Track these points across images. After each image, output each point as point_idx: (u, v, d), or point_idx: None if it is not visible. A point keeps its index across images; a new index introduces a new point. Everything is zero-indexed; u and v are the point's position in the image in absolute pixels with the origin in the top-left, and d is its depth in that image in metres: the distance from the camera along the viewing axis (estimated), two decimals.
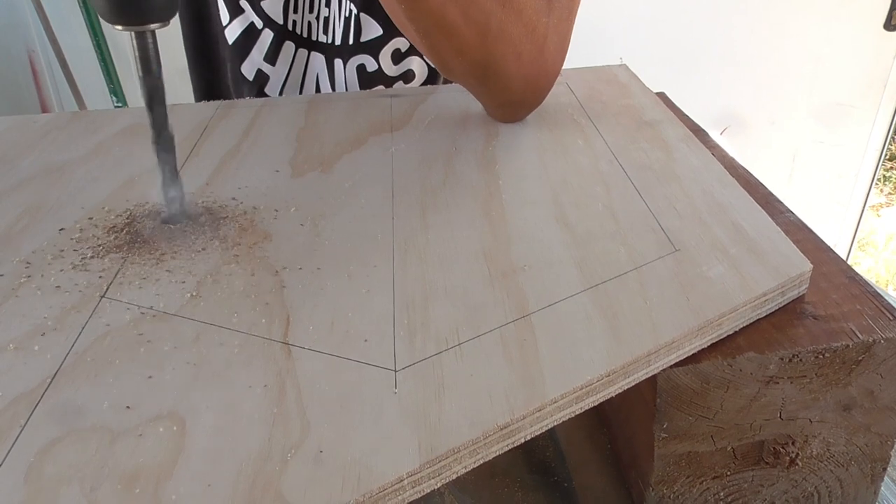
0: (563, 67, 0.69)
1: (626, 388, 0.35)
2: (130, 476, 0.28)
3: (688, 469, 0.40)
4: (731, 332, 0.38)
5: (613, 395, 0.34)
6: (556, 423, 0.33)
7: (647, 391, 0.38)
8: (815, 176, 1.98)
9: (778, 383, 0.38)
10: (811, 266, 0.40)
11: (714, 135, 0.60)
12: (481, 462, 0.31)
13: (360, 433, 0.30)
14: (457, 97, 0.64)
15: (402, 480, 0.28)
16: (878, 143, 1.93)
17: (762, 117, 1.90)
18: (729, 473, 0.41)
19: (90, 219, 0.46)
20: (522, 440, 0.32)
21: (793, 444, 0.40)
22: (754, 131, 1.91)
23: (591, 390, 0.33)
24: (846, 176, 1.98)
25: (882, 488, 0.43)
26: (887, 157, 2.31)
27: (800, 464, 0.40)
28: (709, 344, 0.37)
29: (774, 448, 0.40)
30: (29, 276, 0.41)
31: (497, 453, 0.31)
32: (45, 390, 0.33)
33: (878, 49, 1.82)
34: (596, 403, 0.34)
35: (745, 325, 0.38)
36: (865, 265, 2.60)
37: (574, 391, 0.32)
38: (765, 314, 0.39)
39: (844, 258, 2.06)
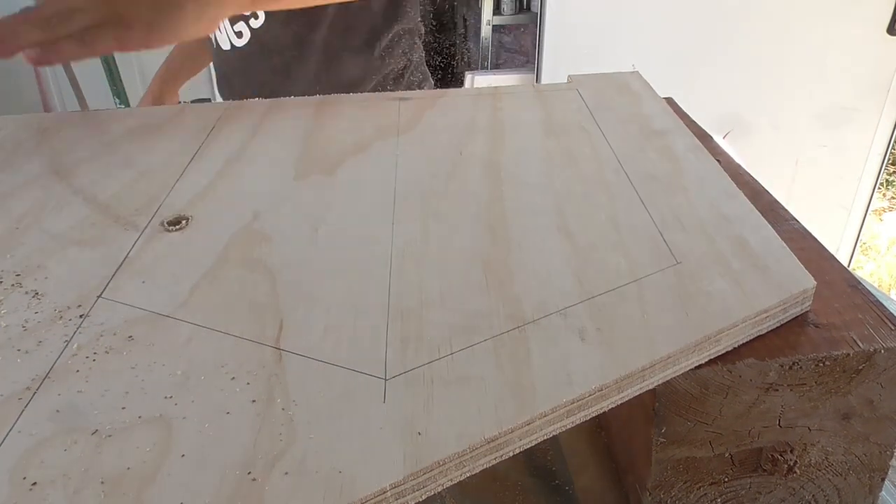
0: (575, 73, 0.69)
1: (619, 402, 0.34)
2: (114, 480, 0.28)
3: (685, 474, 0.39)
4: (730, 349, 0.37)
5: (606, 409, 0.34)
6: (546, 437, 0.32)
7: (647, 396, 0.37)
8: (818, 180, 1.97)
9: (777, 390, 0.37)
10: (815, 283, 0.40)
11: (717, 138, 0.60)
12: (469, 475, 0.31)
13: (346, 442, 0.30)
14: (465, 102, 0.64)
15: (385, 492, 0.28)
16: (880, 147, 1.92)
17: (765, 121, 1.89)
18: (727, 480, 0.40)
19: (92, 218, 0.47)
20: (511, 454, 0.31)
21: (791, 451, 0.40)
22: (757, 135, 1.89)
23: (582, 405, 0.33)
24: (849, 180, 1.97)
25: (882, 492, 0.43)
26: (890, 161, 2.28)
27: (798, 472, 0.40)
28: (707, 360, 0.36)
29: (773, 455, 0.40)
30: (28, 276, 0.41)
31: (485, 466, 0.31)
32: (36, 391, 0.33)
33: (881, 54, 1.81)
34: (588, 417, 0.33)
35: (744, 341, 0.38)
36: (868, 269, 2.58)
37: (565, 405, 0.32)
38: (766, 331, 0.39)
39: (847, 262, 2.03)
